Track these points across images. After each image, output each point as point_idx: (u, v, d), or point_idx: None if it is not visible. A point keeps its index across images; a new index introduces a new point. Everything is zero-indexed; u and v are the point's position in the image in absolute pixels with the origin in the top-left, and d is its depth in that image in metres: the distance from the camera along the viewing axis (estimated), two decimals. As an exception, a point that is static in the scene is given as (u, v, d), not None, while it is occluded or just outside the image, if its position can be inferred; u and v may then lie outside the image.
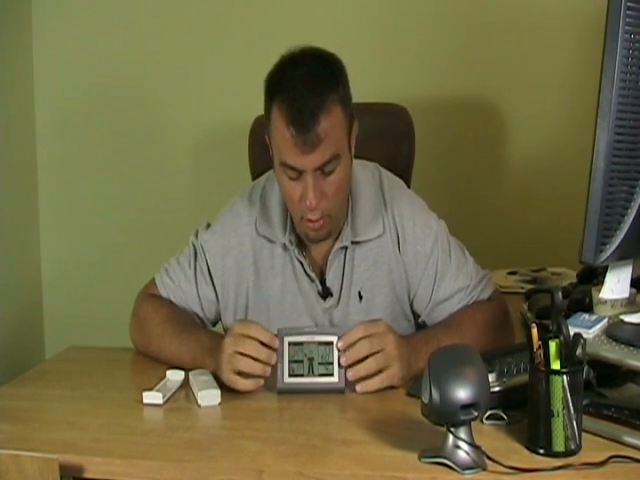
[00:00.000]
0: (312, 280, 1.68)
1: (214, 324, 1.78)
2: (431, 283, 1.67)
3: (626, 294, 1.39)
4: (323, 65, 1.55)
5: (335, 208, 1.59)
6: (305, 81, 1.51)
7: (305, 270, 1.67)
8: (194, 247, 1.73)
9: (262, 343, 1.47)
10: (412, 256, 1.67)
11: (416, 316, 1.72)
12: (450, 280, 1.66)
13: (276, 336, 1.49)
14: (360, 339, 1.47)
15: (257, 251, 1.69)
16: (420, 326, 1.74)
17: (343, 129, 1.55)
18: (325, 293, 1.68)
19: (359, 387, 1.47)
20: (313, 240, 1.64)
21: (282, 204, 1.67)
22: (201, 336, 1.61)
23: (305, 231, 1.62)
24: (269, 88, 1.55)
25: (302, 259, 1.67)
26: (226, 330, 1.75)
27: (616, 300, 1.39)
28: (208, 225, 1.75)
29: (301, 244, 1.68)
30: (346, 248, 1.67)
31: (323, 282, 1.68)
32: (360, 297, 1.68)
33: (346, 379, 1.48)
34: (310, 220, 1.58)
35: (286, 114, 1.49)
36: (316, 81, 1.51)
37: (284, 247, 1.68)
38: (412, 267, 1.67)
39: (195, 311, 1.73)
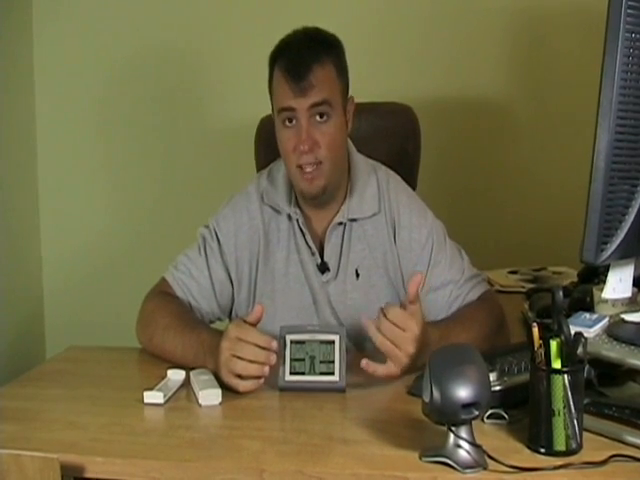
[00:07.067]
0: (312, 253, 1.75)
1: (229, 312, 1.80)
2: (424, 269, 1.70)
3: (628, 293, 1.38)
4: (321, 35, 1.72)
5: (328, 158, 1.66)
6: (303, 42, 1.68)
7: (307, 242, 1.74)
8: (202, 236, 1.78)
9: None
10: (407, 242, 1.73)
11: None
12: (443, 268, 1.71)
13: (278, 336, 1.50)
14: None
15: (266, 223, 1.77)
16: None
17: (336, 87, 1.68)
18: (323, 267, 1.74)
19: (364, 361, 1.46)
20: (308, 195, 1.70)
21: (287, 180, 1.75)
22: (203, 334, 1.62)
23: (301, 186, 1.69)
24: (272, 56, 1.70)
25: (305, 230, 1.74)
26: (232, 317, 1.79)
27: (617, 299, 1.39)
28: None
29: (304, 216, 1.74)
30: (344, 226, 1.74)
31: (322, 257, 1.75)
32: (357, 275, 1.73)
33: (346, 378, 1.48)
34: (304, 170, 1.65)
35: (284, 68, 1.65)
36: (313, 43, 1.68)
37: (289, 218, 1.75)
38: (406, 252, 1.73)
39: (209, 299, 1.76)
